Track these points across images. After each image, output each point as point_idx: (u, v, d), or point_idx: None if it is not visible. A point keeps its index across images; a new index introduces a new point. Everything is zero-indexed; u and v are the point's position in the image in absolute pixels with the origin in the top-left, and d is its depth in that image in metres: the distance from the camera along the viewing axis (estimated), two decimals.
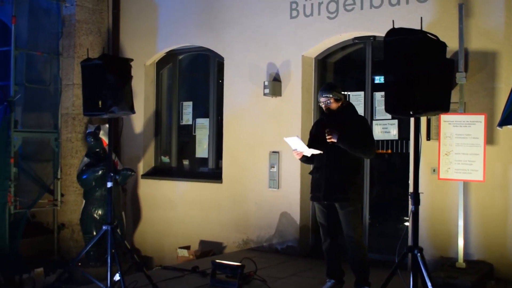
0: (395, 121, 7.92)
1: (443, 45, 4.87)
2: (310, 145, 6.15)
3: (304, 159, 6.28)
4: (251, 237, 8.91)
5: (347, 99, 7.95)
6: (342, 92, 6.30)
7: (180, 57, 10.31)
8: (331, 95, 6.11)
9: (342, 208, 6.04)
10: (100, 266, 8.66)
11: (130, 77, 6.25)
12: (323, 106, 6.20)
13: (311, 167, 7.67)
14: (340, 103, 6.17)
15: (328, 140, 5.92)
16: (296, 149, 6.15)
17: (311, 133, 6.47)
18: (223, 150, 9.31)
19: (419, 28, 4.78)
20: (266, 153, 8.77)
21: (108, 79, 5.95)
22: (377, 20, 7.74)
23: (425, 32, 4.70)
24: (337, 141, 5.89)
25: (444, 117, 6.75)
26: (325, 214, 6.19)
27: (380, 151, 8.04)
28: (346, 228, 6.06)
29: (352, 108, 6.32)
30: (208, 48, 9.62)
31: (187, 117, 10.13)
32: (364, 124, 6.23)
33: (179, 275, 7.17)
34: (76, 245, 9.82)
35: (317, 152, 6.05)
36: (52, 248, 9.74)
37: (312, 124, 8.47)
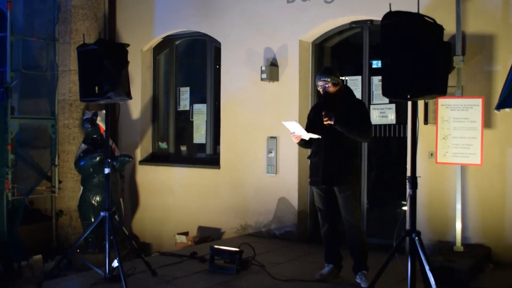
0: (393, 106, 7.91)
1: (441, 28, 4.85)
2: (308, 130, 6.13)
3: (302, 142, 6.26)
4: (249, 223, 8.92)
5: (345, 84, 7.93)
6: (340, 77, 6.27)
7: (177, 42, 10.27)
8: (329, 79, 6.08)
9: (340, 192, 6.04)
10: (99, 252, 8.68)
11: (126, 63, 6.21)
12: (320, 90, 6.18)
13: (308, 152, 7.66)
14: (338, 87, 6.16)
15: (325, 122, 5.92)
16: (294, 133, 6.14)
17: (309, 117, 6.46)
18: (221, 136, 9.30)
19: (416, 11, 4.75)
20: (263, 138, 8.76)
21: (104, 64, 5.91)
22: (374, 4, 7.69)
23: (422, 15, 4.67)
24: (334, 124, 5.88)
25: (441, 101, 6.73)
26: (323, 198, 6.19)
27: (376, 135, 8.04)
28: (344, 212, 6.06)
29: (349, 91, 6.30)
30: (205, 33, 9.57)
31: (184, 103, 10.10)
32: (362, 107, 6.21)
33: (178, 261, 7.18)
34: (74, 232, 9.83)
35: (315, 136, 6.04)
36: (51, 235, 9.76)
37: (310, 108, 8.50)
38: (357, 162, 6.22)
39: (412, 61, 4.59)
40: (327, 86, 6.10)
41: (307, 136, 6.10)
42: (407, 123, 7.64)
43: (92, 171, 9.04)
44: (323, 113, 5.94)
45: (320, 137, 6.05)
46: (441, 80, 4.85)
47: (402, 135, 7.91)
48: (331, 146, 6.04)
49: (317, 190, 6.24)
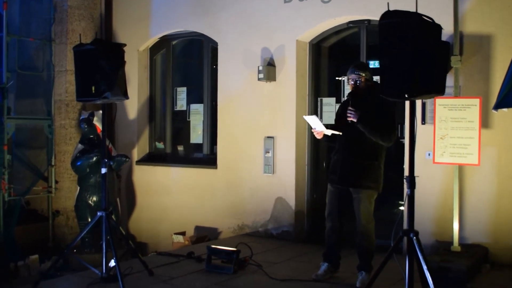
0: None
1: (439, 28, 4.83)
2: (334, 126, 6.08)
3: (325, 139, 6.19)
4: (246, 223, 8.91)
5: (343, 84, 7.93)
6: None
7: (174, 42, 10.25)
8: (363, 74, 6.02)
9: (355, 193, 6.02)
10: (95, 252, 8.65)
11: (123, 62, 6.19)
12: (351, 83, 6.08)
13: (306, 152, 7.65)
14: (369, 84, 6.08)
15: (348, 119, 5.85)
16: (315, 128, 6.08)
17: (337, 113, 6.40)
18: (218, 136, 9.28)
19: (414, 10, 4.74)
20: (261, 138, 8.75)
21: (101, 64, 5.89)
22: (372, 3, 7.69)
23: (421, 15, 4.66)
24: (357, 122, 5.81)
25: (439, 101, 6.74)
26: (334, 197, 6.16)
27: None
28: (357, 213, 6.04)
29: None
30: (201, 33, 9.56)
31: (181, 103, 10.09)
32: (388, 109, 6.05)
33: (175, 260, 7.17)
34: (71, 232, 9.81)
35: (336, 132, 5.98)
36: (47, 235, 9.73)
37: (308, 108, 8.50)
38: (376, 165, 6.06)
39: (410, 61, 4.56)
40: (359, 80, 6.03)
41: (328, 131, 6.03)
42: (404, 123, 7.64)
43: (88, 171, 9.02)
44: (348, 109, 5.87)
45: (341, 133, 5.99)
46: (439, 79, 4.84)
47: (399, 135, 7.90)
48: (351, 147, 6.00)
49: (332, 188, 6.21)
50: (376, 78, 7.64)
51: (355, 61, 8.16)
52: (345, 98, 6.55)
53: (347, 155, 6.02)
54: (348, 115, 5.85)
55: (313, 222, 8.56)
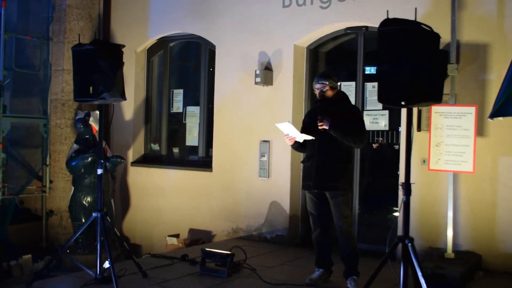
0: (386, 112, 7.93)
1: (437, 36, 4.87)
2: (302, 133, 6.14)
3: (296, 145, 6.27)
4: (240, 226, 8.91)
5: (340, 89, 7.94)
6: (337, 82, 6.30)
7: (171, 44, 10.26)
8: (327, 82, 6.12)
9: (332, 197, 6.06)
10: (89, 253, 8.64)
11: (121, 63, 6.20)
12: (317, 93, 6.20)
13: (301, 156, 7.66)
14: (335, 91, 6.19)
15: (319, 127, 5.93)
16: (288, 134, 6.15)
17: (304, 121, 6.47)
18: (214, 139, 9.29)
19: (412, 18, 4.77)
20: (256, 142, 8.76)
21: (99, 64, 5.89)
22: (370, 11, 7.73)
23: (419, 23, 4.69)
24: (329, 129, 5.89)
25: (435, 108, 6.76)
26: (315, 203, 6.20)
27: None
28: (336, 217, 6.08)
29: (345, 97, 6.33)
30: (199, 35, 9.57)
31: (177, 105, 10.09)
32: (357, 113, 6.25)
33: (169, 263, 7.17)
34: (64, 232, 9.79)
35: (309, 137, 6.05)
36: (40, 234, 9.72)
37: (304, 113, 8.51)
38: (350, 168, 6.22)
39: (408, 68, 4.60)
40: (324, 89, 6.13)
41: (301, 137, 6.10)
42: (399, 129, 7.67)
43: (83, 171, 9.01)
44: (318, 118, 5.96)
45: (313, 138, 6.06)
46: (437, 88, 4.87)
47: (394, 141, 7.93)
48: (325, 151, 6.06)
49: (309, 194, 6.25)
50: (374, 84, 7.77)
51: (352, 66, 8.26)
52: (313, 106, 6.63)
53: (321, 160, 6.08)
54: (320, 123, 5.91)
55: (307, 226, 8.53)
